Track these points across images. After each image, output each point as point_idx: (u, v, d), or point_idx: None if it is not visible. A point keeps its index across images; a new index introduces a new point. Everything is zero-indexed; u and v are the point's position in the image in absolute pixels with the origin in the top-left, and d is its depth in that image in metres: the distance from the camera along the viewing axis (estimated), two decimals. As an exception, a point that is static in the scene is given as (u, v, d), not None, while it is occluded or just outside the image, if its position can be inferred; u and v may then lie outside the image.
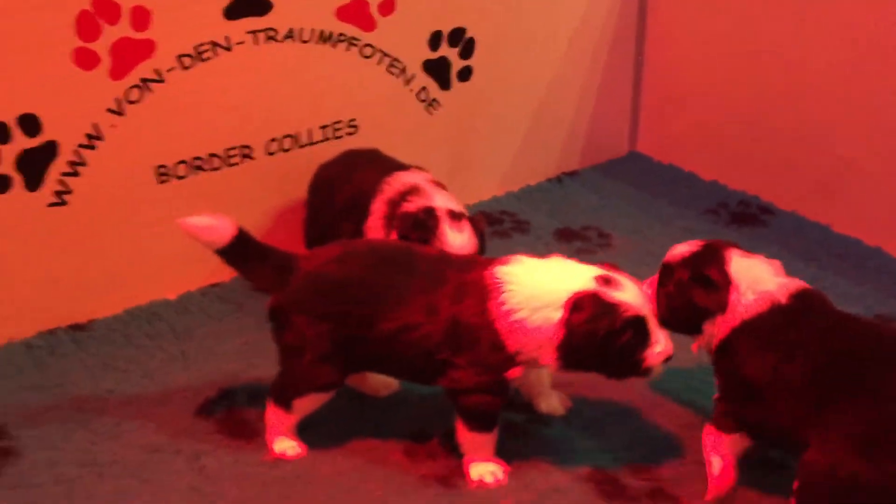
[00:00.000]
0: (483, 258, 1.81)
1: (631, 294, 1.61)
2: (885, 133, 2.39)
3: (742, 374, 1.60)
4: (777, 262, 1.69)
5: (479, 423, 1.69)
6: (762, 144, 2.71)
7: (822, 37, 2.47)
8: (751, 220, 2.62)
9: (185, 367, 2.06)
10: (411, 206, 1.98)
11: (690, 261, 1.67)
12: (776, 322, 1.59)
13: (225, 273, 2.39)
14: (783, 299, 1.60)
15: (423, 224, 1.93)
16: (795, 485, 1.53)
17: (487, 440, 1.70)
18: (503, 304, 1.62)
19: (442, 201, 1.99)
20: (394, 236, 1.98)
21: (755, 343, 1.60)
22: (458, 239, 1.91)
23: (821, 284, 2.22)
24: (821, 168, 2.57)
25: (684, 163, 2.97)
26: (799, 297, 1.61)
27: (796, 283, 1.64)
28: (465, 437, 1.71)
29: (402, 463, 1.76)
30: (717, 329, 1.64)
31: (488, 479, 1.70)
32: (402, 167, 2.17)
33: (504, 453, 1.76)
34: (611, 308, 1.59)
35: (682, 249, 1.70)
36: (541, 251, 2.45)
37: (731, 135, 2.80)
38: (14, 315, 2.13)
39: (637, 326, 1.60)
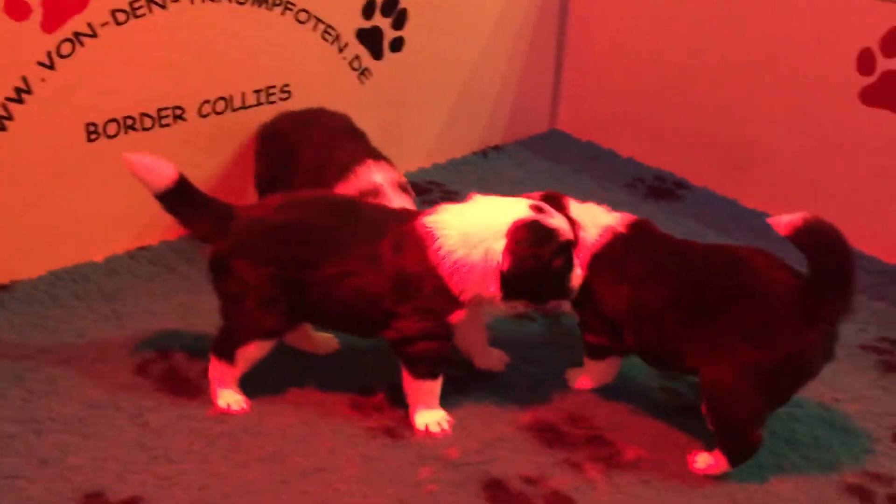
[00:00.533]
0: (416, 210, 1.84)
1: (561, 220, 1.71)
2: (789, 114, 2.55)
3: (604, 306, 1.75)
4: (607, 207, 1.85)
5: (425, 370, 1.74)
6: (677, 124, 2.85)
7: (734, 23, 2.61)
8: (667, 195, 2.75)
9: (119, 327, 2.02)
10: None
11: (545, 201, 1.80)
12: (622, 251, 1.75)
13: (153, 236, 2.37)
14: (623, 229, 1.78)
15: None
16: (703, 408, 1.66)
17: (433, 387, 1.75)
18: (440, 248, 1.67)
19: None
20: None
21: (609, 274, 1.75)
22: None
23: (734, 252, 2.39)
24: (730, 146, 2.72)
25: (603, 140, 3.08)
26: (635, 226, 1.79)
27: (629, 216, 1.82)
28: (411, 385, 1.75)
29: (350, 416, 1.79)
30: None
31: (434, 427, 1.75)
32: (371, 155, 2.15)
33: (447, 405, 1.81)
34: (550, 233, 1.67)
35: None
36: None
37: (647, 114, 2.93)
38: (-67, 274, 2.05)
39: (568, 250, 1.71)
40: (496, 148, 3.01)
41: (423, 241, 1.69)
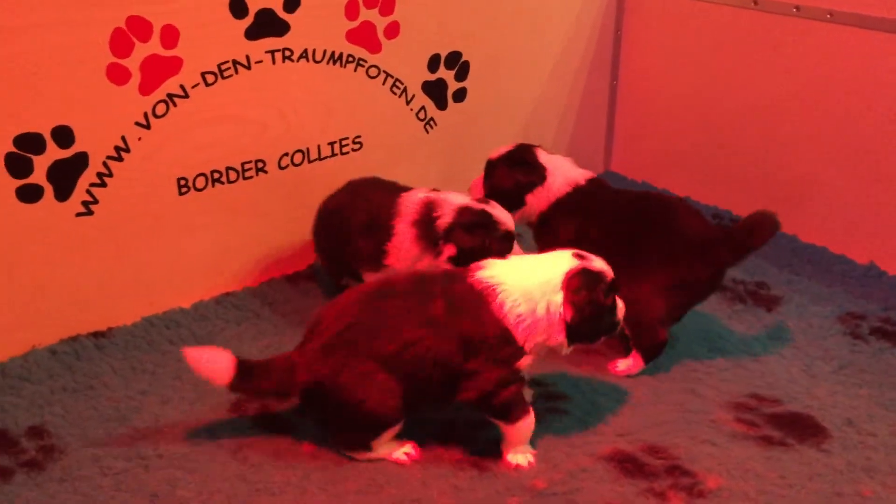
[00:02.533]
0: (460, 269, 1.89)
1: (600, 261, 1.83)
2: (844, 150, 2.62)
3: (558, 235, 2.20)
4: (572, 161, 2.34)
5: (517, 412, 1.81)
6: (730, 162, 2.93)
7: (784, 60, 2.70)
8: (725, 231, 2.82)
9: (212, 369, 2.13)
10: (444, 216, 2.14)
11: (511, 154, 2.31)
12: (577, 198, 2.25)
13: (236, 283, 2.50)
14: (582, 182, 2.27)
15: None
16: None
17: (530, 423, 1.83)
18: (502, 304, 1.76)
19: (460, 197, 2.18)
20: (446, 248, 2.13)
21: (565, 213, 2.24)
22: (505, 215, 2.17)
23: (795, 287, 2.47)
24: (785, 183, 2.79)
25: (657, 180, 3.18)
26: (592, 181, 2.29)
27: (589, 173, 2.31)
28: (511, 430, 1.82)
29: (437, 449, 1.88)
30: (537, 202, 2.28)
31: (523, 462, 1.83)
32: (404, 189, 2.28)
33: (528, 439, 1.90)
34: (598, 276, 1.79)
35: (499, 151, 2.33)
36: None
37: (701, 153, 3.02)
38: (38, 322, 2.18)
39: (615, 288, 1.84)
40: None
41: (485, 298, 1.78)
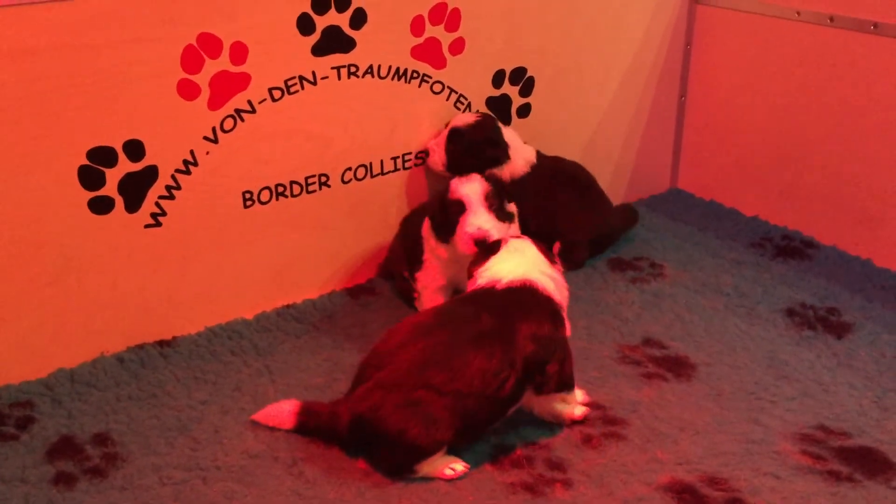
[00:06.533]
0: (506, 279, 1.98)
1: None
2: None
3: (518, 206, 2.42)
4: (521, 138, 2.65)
5: (571, 379, 1.97)
6: (801, 181, 2.85)
7: (862, 78, 2.61)
8: (796, 254, 2.74)
9: (271, 381, 2.16)
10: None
11: (479, 127, 2.50)
12: (531, 177, 2.59)
13: (297, 295, 2.53)
14: (534, 159, 2.62)
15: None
16: (556, 246, 2.25)
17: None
18: (546, 289, 1.96)
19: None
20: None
21: (522, 185, 2.54)
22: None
23: (868, 314, 2.38)
24: (859, 204, 2.70)
25: (725, 199, 3.11)
26: (539, 156, 2.64)
27: (535, 151, 2.64)
28: (560, 400, 1.98)
29: (490, 471, 1.87)
30: (501, 174, 2.52)
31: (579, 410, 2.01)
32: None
33: (583, 462, 1.87)
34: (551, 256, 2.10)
35: (465, 119, 2.51)
36: (597, 280, 2.60)
37: (770, 172, 2.94)
38: (106, 330, 2.25)
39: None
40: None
41: (536, 289, 1.95)
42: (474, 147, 2.50)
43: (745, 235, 2.87)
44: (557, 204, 2.65)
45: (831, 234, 2.78)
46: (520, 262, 1.99)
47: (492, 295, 1.94)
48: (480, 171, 2.39)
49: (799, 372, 2.18)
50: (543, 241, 2.11)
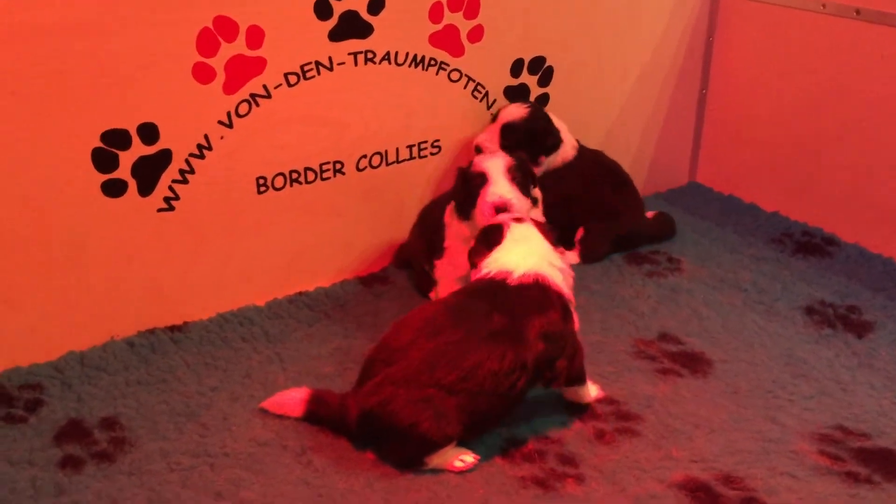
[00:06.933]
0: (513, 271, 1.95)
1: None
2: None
3: (563, 189, 2.55)
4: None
5: (582, 373, 1.95)
6: (822, 178, 2.80)
7: (889, 72, 2.56)
8: (816, 251, 2.70)
9: (282, 369, 2.14)
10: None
11: (532, 118, 2.51)
12: (578, 162, 2.62)
13: (309, 282, 2.50)
14: (577, 145, 2.66)
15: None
16: (579, 233, 2.59)
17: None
18: (556, 284, 1.93)
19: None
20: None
21: (571, 168, 2.62)
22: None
23: (890, 313, 2.34)
24: (882, 201, 2.65)
25: (744, 194, 3.06)
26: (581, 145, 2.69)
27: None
28: (577, 389, 1.98)
29: (501, 465, 1.84)
30: (548, 162, 2.56)
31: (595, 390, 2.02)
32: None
33: (595, 457, 1.84)
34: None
35: (519, 112, 2.51)
36: (613, 273, 2.57)
37: (791, 168, 2.89)
38: (117, 314, 2.23)
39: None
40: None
41: (546, 284, 1.92)
42: (531, 138, 2.49)
43: (765, 231, 2.83)
44: (598, 192, 2.67)
45: (853, 231, 2.73)
46: (528, 253, 1.95)
47: (503, 290, 1.89)
48: (533, 160, 2.44)
49: (817, 370, 2.14)
50: (570, 228, 2.09)
